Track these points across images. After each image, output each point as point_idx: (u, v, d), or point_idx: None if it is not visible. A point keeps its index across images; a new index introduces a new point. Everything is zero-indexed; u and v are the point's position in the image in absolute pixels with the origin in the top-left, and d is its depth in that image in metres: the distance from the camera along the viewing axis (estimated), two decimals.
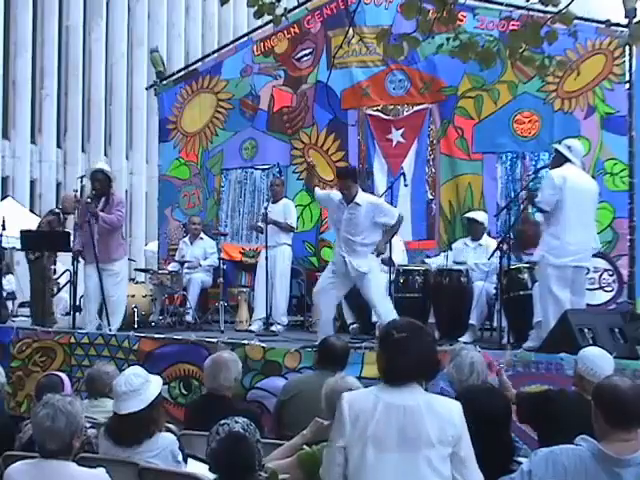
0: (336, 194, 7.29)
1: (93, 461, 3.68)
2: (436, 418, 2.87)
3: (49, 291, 9.03)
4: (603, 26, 8.38)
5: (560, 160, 6.81)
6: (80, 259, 8.15)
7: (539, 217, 6.92)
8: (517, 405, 4.50)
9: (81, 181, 8.98)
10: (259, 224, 9.02)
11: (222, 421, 3.50)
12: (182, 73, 11.33)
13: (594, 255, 7.11)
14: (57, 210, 9.61)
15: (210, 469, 3.43)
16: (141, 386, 3.91)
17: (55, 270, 9.75)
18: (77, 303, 8.36)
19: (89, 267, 8.02)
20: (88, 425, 4.26)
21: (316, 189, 7.78)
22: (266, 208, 8.95)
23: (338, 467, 2.98)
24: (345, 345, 5.48)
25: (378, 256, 7.17)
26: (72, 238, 8.32)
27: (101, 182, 8.06)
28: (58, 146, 23.94)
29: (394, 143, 9.73)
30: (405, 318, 3.18)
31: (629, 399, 3.00)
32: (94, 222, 7.84)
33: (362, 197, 7.16)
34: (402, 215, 7.42)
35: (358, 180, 7.33)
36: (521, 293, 7.36)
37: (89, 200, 7.96)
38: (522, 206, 7.88)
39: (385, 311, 6.99)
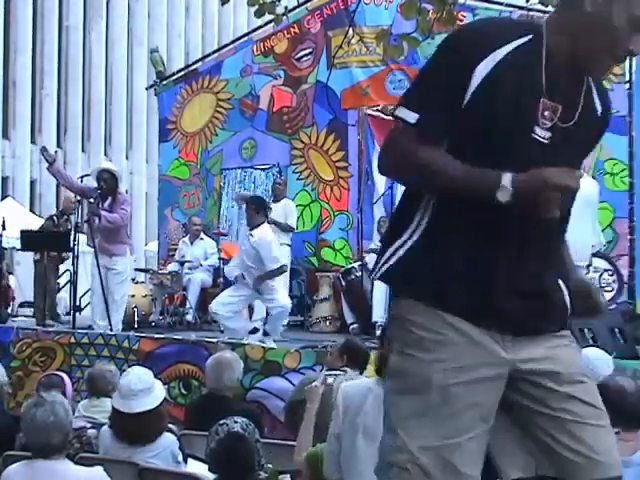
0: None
1: (93, 461, 3.67)
2: None
3: (53, 291, 8.98)
4: None
5: None
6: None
7: None
8: None
9: (81, 181, 8.99)
10: None
11: (221, 421, 3.50)
12: (182, 73, 11.34)
13: (594, 255, 7.10)
14: (53, 214, 9.61)
15: (210, 469, 3.44)
16: (153, 384, 3.94)
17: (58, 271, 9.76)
18: (77, 303, 8.35)
19: (94, 266, 8.05)
20: (88, 425, 4.26)
21: None
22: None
23: (333, 455, 3.12)
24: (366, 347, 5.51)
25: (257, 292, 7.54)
26: (72, 238, 8.33)
27: (107, 182, 8.09)
28: (58, 146, 23.92)
29: None
30: None
31: (634, 400, 3.03)
32: (97, 222, 7.89)
33: (258, 232, 7.41)
34: (286, 267, 7.86)
35: (263, 212, 7.60)
36: None
37: (92, 200, 8.00)
38: None
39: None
